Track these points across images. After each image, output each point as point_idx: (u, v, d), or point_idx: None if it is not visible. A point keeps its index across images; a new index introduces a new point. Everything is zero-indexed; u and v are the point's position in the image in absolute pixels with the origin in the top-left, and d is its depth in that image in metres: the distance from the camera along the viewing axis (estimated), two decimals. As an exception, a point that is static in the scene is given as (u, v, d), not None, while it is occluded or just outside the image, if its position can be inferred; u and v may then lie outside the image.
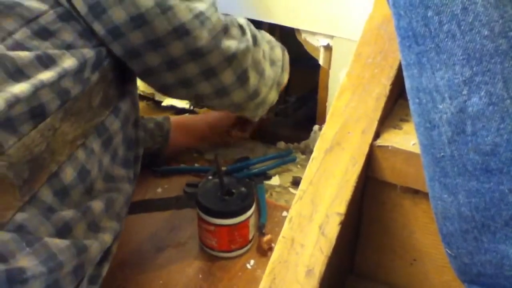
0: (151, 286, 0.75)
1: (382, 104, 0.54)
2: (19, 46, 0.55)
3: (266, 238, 0.82)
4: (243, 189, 0.81)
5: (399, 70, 0.57)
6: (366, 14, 0.86)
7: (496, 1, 0.33)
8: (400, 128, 0.56)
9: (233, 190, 0.80)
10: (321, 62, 0.97)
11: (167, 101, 1.16)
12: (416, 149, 0.53)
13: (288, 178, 0.98)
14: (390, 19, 0.58)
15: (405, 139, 0.54)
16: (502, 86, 0.33)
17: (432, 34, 0.35)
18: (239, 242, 0.80)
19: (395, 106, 0.59)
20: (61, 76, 0.55)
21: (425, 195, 0.54)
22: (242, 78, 0.72)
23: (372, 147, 0.53)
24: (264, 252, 0.81)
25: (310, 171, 0.53)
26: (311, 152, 1.02)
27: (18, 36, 0.55)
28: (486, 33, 0.34)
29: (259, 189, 0.92)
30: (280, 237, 0.51)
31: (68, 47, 0.58)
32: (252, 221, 0.81)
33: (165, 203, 0.91)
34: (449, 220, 0.39)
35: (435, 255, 0.57)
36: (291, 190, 0.96)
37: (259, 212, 0.87)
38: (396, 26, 0.39)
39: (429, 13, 0.35)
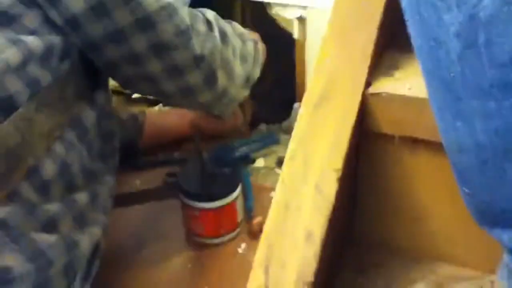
0: (138, 281, 0.70)
1: (370, 51, 0.50)
2: None
3: (257, 220, 0.77)
4: (226, 170, 0.76)
5: (385, 16, 0.52)
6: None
7: None
8: (392, 75, 0.51)
9: (217, 173, 0.75)
10: (295, 35, 0.93)
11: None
12: (413, 94, 0.49)
13: (273, 159, 0.93)
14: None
15: (398, 85, 0.50)
16: None
17: None
18: (227, 227, 0.75)
19: (382, 56, 0.55)
20: (27, 59, 0.51)
21: (426, 144, 0.50)
22: (210, 80, 0.68)
23: (364, 97, 0.49)
24: (255, 235, 0.76)
25: (299, 129, 0.48)
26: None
27: None
28: None
29: (243, 173, 0.87)
30: (273, 202, 0.46)
31: (32, 33, 0.53)
32: (239, 204, 0.76)
33: (145, 194, 0.85)
34: (465, 152, 0.35)
35: (438, 211, 0.53)
36: (277, 171, 0.91)
37: (245, 196, 0.82)
38: None
39: None
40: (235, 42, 0.74)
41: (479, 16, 0.31)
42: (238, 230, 0.76)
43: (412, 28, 0.35)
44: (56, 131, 0.54)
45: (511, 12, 0.30)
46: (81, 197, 0.56)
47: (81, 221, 0.56)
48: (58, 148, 0.54)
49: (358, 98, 0.48)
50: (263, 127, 1.03)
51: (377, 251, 0.58)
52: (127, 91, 1.10)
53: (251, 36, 0.83)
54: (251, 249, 0.73)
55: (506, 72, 0.31)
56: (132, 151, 0.89)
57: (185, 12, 0.62)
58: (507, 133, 0.32)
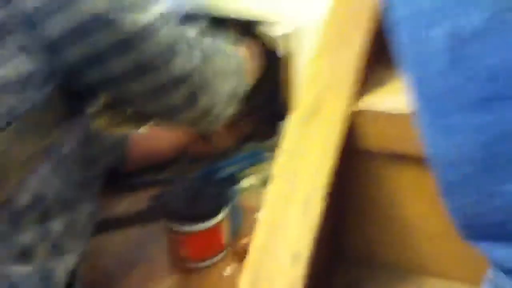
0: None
1: (357, 67, 0.49)
2: None
3: (243, 241, 0.75)
4: (212, 191, 0.75)
5: (372, 34, 0.52)
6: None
7: None
8: (379, 91, 0.51)
9: (202, 194, 0.74)
10: (280, 52, 0.93)
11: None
12: (398, 110, 0.48)
13: (259, 178, 0.92)
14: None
15: (384, 101, 0.49)
16: None
17: None
18: (213, 249, 0.73)
19: (372, 72, 0.54)
20: (4, 86, 0.50)
21: (411, 161, 0.50)
22: (191, 100, 0.67)
23: (351, 113, 0.48)
24: (242, 257, 0.74)
25: (286, 145, 0.47)
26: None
27: None
28: None
29: (230, 194, 0.86)
30: (258, 222, 0.45)
31: (10, 61, 0.52)
32: (225, 225, 0.74)
33: (128, 219, 0.83)
34: (450, 166, 0.34)
35: (424, 226, 0.52)
36: (264, 190, 0.90)
37: (232, 217, 0.81)
38: None
39: None
40: (218, 60, 0.73)
41: (465, 30, 0.30)
42: (224, 252, 0.75)
43: (396, 45, 0.35)
44: (31, 162, 0.53)
45: (497, 26, 0.30)
46: (55, 225, 0.56)
47: (56, 249, 0.55)
48: (32, 179, 0.53)
49: (345, 115, 0.47)
50: (249, 145, 1.02)
51: (365, 266, 0.57)
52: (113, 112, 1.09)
53: (240, 52, 0.83)
54: (238, 271, 0.72)
55: (492, 86, 0.30)
56: (117, 174, 0.88)
57: (165, 33, 0.61)
58: (494, 146, 0.31)
